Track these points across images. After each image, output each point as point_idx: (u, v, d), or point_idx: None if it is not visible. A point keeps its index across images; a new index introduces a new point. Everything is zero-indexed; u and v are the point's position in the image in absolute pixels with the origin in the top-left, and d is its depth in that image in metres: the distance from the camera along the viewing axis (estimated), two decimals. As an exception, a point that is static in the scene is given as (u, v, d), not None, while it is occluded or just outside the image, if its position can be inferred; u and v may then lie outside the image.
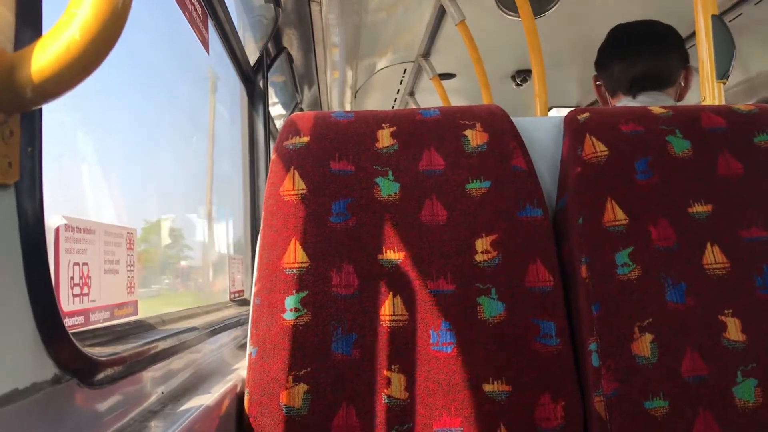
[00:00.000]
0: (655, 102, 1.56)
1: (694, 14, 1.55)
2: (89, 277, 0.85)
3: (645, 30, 1.67)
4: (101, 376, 0.74)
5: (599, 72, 1.76)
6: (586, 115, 1.14)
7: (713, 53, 1.50)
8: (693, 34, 1.66)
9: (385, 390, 0.99)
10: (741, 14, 2.69)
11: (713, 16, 1.50)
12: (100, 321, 0.89)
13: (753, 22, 2.72)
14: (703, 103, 1.54)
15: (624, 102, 1.64)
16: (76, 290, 0.81)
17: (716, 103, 1.51)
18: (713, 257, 1.04)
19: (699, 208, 1.07)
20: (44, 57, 0.52)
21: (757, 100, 3.28)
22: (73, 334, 0.70)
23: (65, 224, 0.78)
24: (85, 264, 0.84)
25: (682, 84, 1.63)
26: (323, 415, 0.98)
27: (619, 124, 1.12)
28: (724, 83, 1.50)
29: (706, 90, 1.53)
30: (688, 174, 1.09)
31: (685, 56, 1.65)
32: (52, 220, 0.78)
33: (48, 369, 0.63)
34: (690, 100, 1.64)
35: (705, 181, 1.08)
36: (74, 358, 0.67)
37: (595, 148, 1.09)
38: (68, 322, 0.78)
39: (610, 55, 1.70)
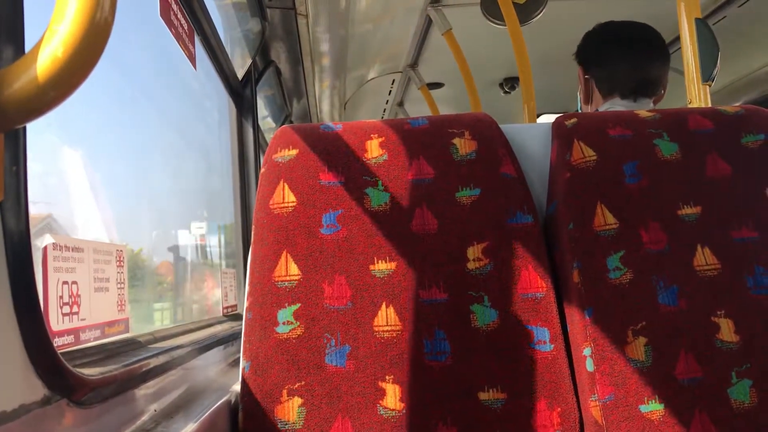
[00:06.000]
0: (643, 107, 1.56)
1: (677, 18, 1.56)
2: (79, 296, 0.84)
3: (643, 33, 1.62)
4: (92, 395, 0.73)
5: (591, 67, 1.66)
6: (573, 120, 1.14)
7: (698, 56, 1.51)
8: (677, 38, 1.67)
9: (381, 401, 0.99)
10: (725, 17, 2.71)
11: (697, 19, 1.51)
12: (90, 339, 0.88)
13: (738, 23, 2.74)
14: (690, 106, 1.55)
15: (611, 102, 1.61)
16: (66, 309, 0.80)
17: (703, 105, 1.52)
18: (704, 259, 1.05)
19: (688, 210, 1.07)
20: (27, 75, 0.52)
21: (744, 101, 3.31)
22: (63, 353, 0.70)
23: (53, 243, 0.78)
24: (74, 282, 0.83)
25: (662, 91, 1.62)
26: (318, 429, 0.97)
27: (606, 128, 1.12)
28: (710, 85, 1.51)
29: (692, 93, 1.54)
30: (677, 176, 1.09)
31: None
32: (40, 239, 0.77)
33: (37, 390, 0.62)
34: (676, 103, 1.65)
35: (694, 183, 1.09)
36: (64, 377, 0.67)
37: (584, 153, 1.10)
38: (58, 341, 0.77)
39: (610, 52, 1.62)
